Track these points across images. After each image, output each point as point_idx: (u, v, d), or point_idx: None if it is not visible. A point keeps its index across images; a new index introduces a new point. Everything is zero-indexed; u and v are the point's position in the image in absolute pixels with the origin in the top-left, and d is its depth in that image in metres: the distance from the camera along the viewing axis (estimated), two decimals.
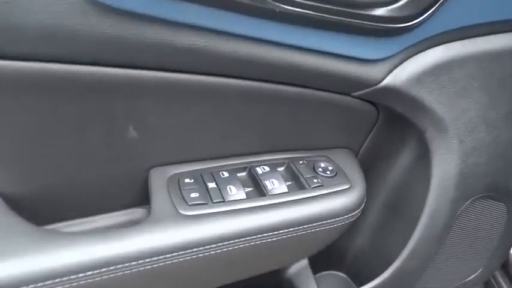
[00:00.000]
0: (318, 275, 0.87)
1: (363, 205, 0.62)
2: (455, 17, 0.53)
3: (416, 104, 0.58)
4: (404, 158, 0.69)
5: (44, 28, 0.37)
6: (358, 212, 0.61)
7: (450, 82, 0.58)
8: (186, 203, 0.52)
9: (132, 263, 0.46)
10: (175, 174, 0.56)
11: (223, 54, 0.45)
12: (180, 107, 0.50)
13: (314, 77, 0.52)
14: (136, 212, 0.60)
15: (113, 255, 0.45)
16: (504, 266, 1.03)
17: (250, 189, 0.58)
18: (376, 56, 0.53)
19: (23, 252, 0.42)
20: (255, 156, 0.62)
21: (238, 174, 0.59)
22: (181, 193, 0.53)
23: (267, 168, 0.59)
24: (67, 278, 0.43)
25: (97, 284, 0.45)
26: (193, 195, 0.53)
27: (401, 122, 0.63)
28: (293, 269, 0.78)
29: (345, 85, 0.55)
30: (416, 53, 0.55)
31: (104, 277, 0.45)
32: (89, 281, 0.44)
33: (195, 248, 0.49)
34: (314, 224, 0.56)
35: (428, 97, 0.57)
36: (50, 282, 0.42)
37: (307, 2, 0.44)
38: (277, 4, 0.43)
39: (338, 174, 0.62)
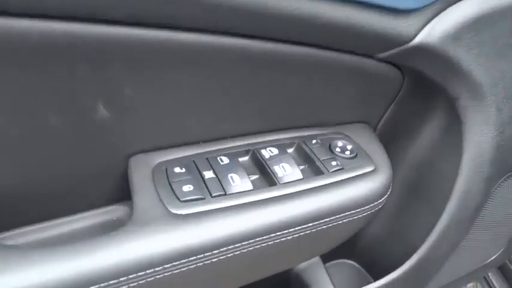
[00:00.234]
0: (328, 264, 0.78)
1: (390, 190, 0.52)
2: None
3: (451, 66, 0.48)
4: (431, 132, 0.59)
5: None
6: (386, 198, 0.51)
7: (491, 39, 0.48)
8: (178, 198, 0.41)
9: (111, 283, 0.35)
10: (161, 162, 0.44)
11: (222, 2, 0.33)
12: (165, 76, 0.39)
13: (335, 32, 0.41)
14: (116, 211, 0.48)
15: (80, 276, 0.34)
16: None
17: (256, 176, 0.47)
18: (412, 4, 0.42)
19: None
20: (258, 136, 0.51)
21: (240, 159, 0.48)
22: (171, 186, 0.42)
23: (274, 151, 0.48)
24: None
25: None
26: (186, 188, 0.41)
27: (430, 89, 0.53)
28: None
29: (371, 43, 0.44)
30: (455, 2, 0.45)
31: None
32: None
33: (192, 256, 0.38)
34: (336, 217, 0.46)
35: (466, 57, 0.48)
36: None
37: None
38: None
39: (359, 154, 0.52)
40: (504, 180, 0.62)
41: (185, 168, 0.44)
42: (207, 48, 0.38)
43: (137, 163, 0.44)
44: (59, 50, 0.33)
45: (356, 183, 0.48)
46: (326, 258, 0.75)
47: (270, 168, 0.46)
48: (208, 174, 0.44)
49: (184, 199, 0.41)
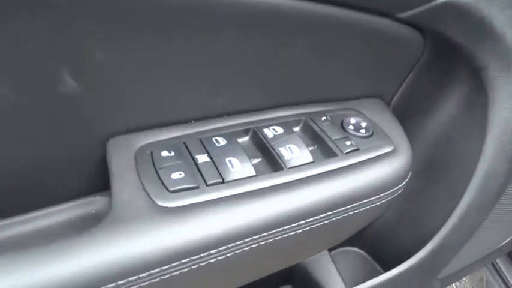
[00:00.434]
0: (334, 251, 0.72)
1: (411, 172, 0.46)
2: None
3: (483, 28, 0.41)
4: (451, 107, 0.53)
5: None
6: (406, 182, 0.45)
7: None
8: (166, 188, 0.34)
9: None
10: (146, 145, 0.37)
11: None
12: (146, 36, 0.31)
13: None
14: (96, 202, 0.41)
15: (48, 286, 0.27)
16: None
17: (258, 160, 0.40)
18: None
19: None
20: (259, 113, 0.44)
21: (240, 140, 0.41)
22: (158, 174, 0.35)
23: (279, 129, 0.41)
24: None
25: None
26: (176, 175, 0.34)
27: (453, 57, 0.47)
28: None
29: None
30: None
31: None
32: None
33: (186, 258, 0.32)
34: (352, 206, 0.40)
35: (500, 18, 0.41)
36: None
37: None
38: None
39: (375, 132, 0.45)
40: None
41: (174, 152, 0.37)
42: (198, 2, 0.30)
43: (116, 146, 0.37)
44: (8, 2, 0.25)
45: (373, 166, 0.41)
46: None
47: (274, 150, 0.39)
48: (202, 158, 0.36)
49: (174, 189, 0.34)
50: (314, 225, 0.38)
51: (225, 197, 0.34)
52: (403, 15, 0.40)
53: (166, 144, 0.37)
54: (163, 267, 0.31)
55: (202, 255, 0.32)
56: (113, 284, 0.29)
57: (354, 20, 0.39)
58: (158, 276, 0.31)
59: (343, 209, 0.39)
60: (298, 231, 0.37)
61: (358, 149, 0.42)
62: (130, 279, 0.30)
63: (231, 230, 0.33)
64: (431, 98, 0.54)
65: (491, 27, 0.41)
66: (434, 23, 0.42)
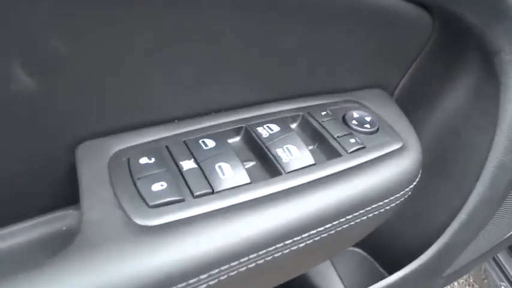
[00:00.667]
0: None
1: (421, 171, 0.41)
2: None
3: (499, 6, 0.36)
4: (459, 97, 0.49)
5: None
6: (417, 181, 0.40)
7: None
8: (146, 202, 0.28)
9: None
10: (121, 151, 0.32)
11: None
12: (112, 17, 0.26)
13: None
14: (66, 217, 0.36)
15: None
16: None
17: (252, 164, 0.35)
18: None
19: None
20: (251, 109, 0.39)
21: (230, 141, 0.36)
22: (136, 185, 0.29)
23: (274, 127, 0.36)
24: None
25: None
26: (157, 187, 0.29)
27: (464, 40, 0.42)
28: None
29: None
30: None
31: None
32: None
33: (170, 287, 0.26)
34: (360, 212, 0.35)
35: None
36: None
37: None
38: None
39: (381, 127, 0.40)
40: None
41: (155, 158, 0.31)
42: None
43: (86, 153, 0.31)
44: None
45: (382, 166, 0.37)
46: None
47: (270, 152, 0.34)
48: (188, 164, 0.31)
49: (155, 203, 0.28)
50: (318, 237, 0.33)
51: (215, 210, 0.29)
52: None
53: (145, 149, 0.32)
54: None
55: (190, 282, 0.27)
56: None
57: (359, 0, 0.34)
58: None
59: (350, 217, 0.34)
60: (300, 245, 0.32)
61: (364, 147, 0.37)
62: None
63: (224, 249, 0.28)
64: (437, 87, 0.49)
65: (509, 5, 0.36)
66: (446, 1, 0.37)
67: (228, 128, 0.36)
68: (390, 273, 0.59)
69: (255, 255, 0.29)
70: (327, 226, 0.33)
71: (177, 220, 0.28)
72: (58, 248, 0.31)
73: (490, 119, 0.45)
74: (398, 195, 0.37)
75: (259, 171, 0.34)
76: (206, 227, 0.28)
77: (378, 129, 0.40)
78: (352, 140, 0.37)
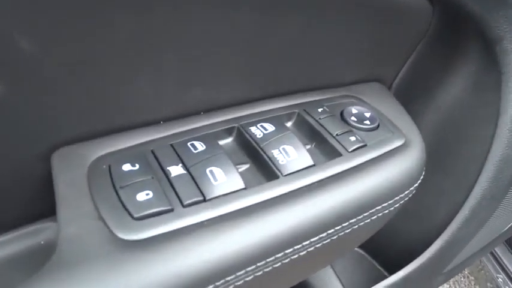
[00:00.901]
0: None
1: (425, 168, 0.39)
2: None
3: None
4: (459, 89, 0.46)
5: None
6: (421, 179, 0.38)
7: None
8: (130, 214, 0.26)
9: None
10: (101, 157, 0.29)
11: None
12: (89, 9, 0.23)
13: None
14: (43, 230, 0.33)
15: None
16: None
17: (246, 166, 0.32)
18: None
19: None
20: (242, 107, 0.36)
21: (221, 143, 0.33)
22: (118, 195, 0.26)
23: (269, 127, 0.34)
24: None
25: None
26: (142, 196, 0.26)
27: (463, 28, 0.40)
28: None
29: None
30: None
31: None
32: None
33: None
34: (364, 215, 0.33)
35: None
36: None
37: None
38: None
39: (381, 123, 0.38)
40: None
41: (139, 164, 0.28)
42: None
43: (63, 160, 0.28)
44: None
45: (385, 165, 0.34)
46: None
47: (265, 154, 0.31)
48: (176, 170, 0.28)
49: (140, 214, 0.25)
50: (320, 244, 0.30)
51: (208, 220, 0.27)
52: None
53: (128, 155, 0.29)
54: None
55: None
56: None
57: None
58: None
59: (353, 220, 0.32)
60: (301, 254, 0.30)
61: (365, 145, 0.35)
62: None
63: (219, 263, 0.25)
64: (436, 79, 0.47)
65: None
66: None
67: (219, 129, 0.33)
68: (390, 272, 0.57)
69: (253, 267, 0.27)
70: (329, 232, 0.30)
71: (166, 233, 0.25)
72: (36, 265, 0.28)
73: (492, 110, 0.43)
74: (402, 195, 0.35)
75: (254, 175, 0.31)
76: (198, 239, 0.25)
77: (378, 125, 0.37)
78: (353, 138, 0.34)
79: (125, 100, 0.29)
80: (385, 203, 0.34)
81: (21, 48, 0.22)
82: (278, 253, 0.28)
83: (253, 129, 0.33)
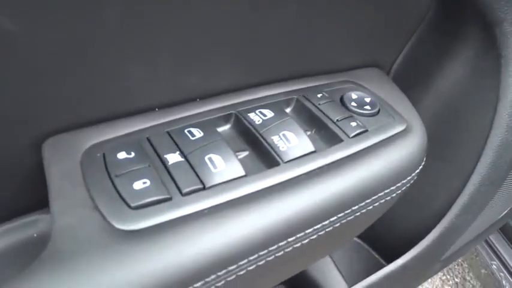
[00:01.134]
0: None
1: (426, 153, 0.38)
2: None
3: None
4: (457, 74, 0.46)
5: None
6: (423, 164, 0.37)
7: None
8: (127, 204, 0.24)
9: None
10: (95, 145, 0.28)
11: None
12: None
13: None
14: (36, 223, 0.32)
15: None
16: None
17: (245, 154, 0.31)
18: None
19: None
20: (240, 93, 0.35)
21: (219, 130, 0.32)
22: (114, 184, 0.25)
23: (268, 113, 0.33)
24: None
25: None
26: (139, 185, 0.25)
27: (463, 10, 0.39)
28: None
29: None
30: None
31: None
32: None
33: None
34: (366, 202, 0.32)
35: None
36: None
37: None
38: None
39: (382, 108, 0.37)
40: None
41: (135, 152, 0.27)
42: None
43: (55, 149, 0.27)
44: None
45: (387, 150, 0.33)
46: None
47: (265, 140, 0.30)
48: (173, 157, 0.27)
49: (138, 203, 0.24)
50: (323, 232, 0.30)
51: (208, 208, 0.26)
52: None
53: (123, 143, 0.28)
54: None
55: None
56: None
57: None
58: None
59: (355, 207, 0.31)
60: (304, 242, 0.29)
61: (366, 130, 0.34)
62: None
63: (220, 253, 0.25)
64: (435, 63, 0.46)
65: None
66: None
67: (216, 116, 0.32)
68: (387, 261, 0.57)
69: (255, 256, 0.26)
70: (331, 219, 0.30)
71: (164, 222, 0.24)
72: (29, 259, 0.27)
73: (491, 95, 0.42)
74: (404, 181, 0.34)
75: (254, 162, 0.30)
76: (198, 228, 0.25)
77: (379, 110, 0.37)
78: (353, 124, 0.34)
79: (118, 86, 0.28)
80: (388, 189, 0.33)
81: (6, 32, 0.21)
82: (281, 241, 0.27)
83: (251, 115, 0.32)
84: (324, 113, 0.34)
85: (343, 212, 0.30)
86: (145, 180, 0.25)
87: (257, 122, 0.32)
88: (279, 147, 0.30)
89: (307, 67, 0.39)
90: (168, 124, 0.30)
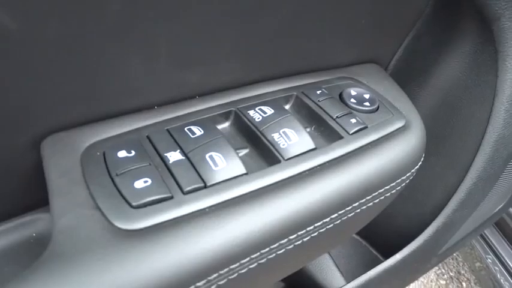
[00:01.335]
0: None
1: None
2: None
3: None
4: (455, 69, 0.46)
5: None
6: (423, 160, 0.38)
7: None
8: (128, 203, 0.24)
9: None
10: (95, 143, 0.28)
11: None
12: None
13: None
14: (35, 222, 0.31)
15: None
16: None
17: (246, 151, 0.31)
18: None
19: None
20: (239, 91, 0.35)
21: (220, 127, 0.32)
22: (114, 183, 0.25)
23: (267, 110, 0.32)
24: None
25: None
26: (140, 183, 0.25)
27: (461, 5, 0.39)
28: None
29: None
30: None
31: None
32: None
33: None
34: (367, 199, 0.32)
35: None
36: None
37: None
38: None
39: (381, 105, 0.37)
40: None
41: (135, 151, 0.27)
42: None
43: (54, 147, 0.27)
44: None
45: (387, 147, 0.34)
46: None
47: (265, 138, 0.30)
48: (174, 156, 0.27)
49: (139, 203, 0.24)
50: (323, 229, 0.30)
51: (209, 207, 0.25)
52: None
53: (123, 141, 0.28)
54: None
55: None
56: None
57: None
58: None
59: (356, 204, 0.31)
60: (305, 239, 0.29)
61: (366, 127, 0.34)
62: None
63: (223, 251, 0.25)
64: (432, 59, 0.46)
65: None
66: None
67: (216, 113, 0.32)
68: (385, 256, 0.57)
69: (257, 254, 0.26)
70: (332, 216, 0.30)
71: (166, 221, 0.24)
72: (28, 259, 0.27)
73: (488, 90, 0.43)
74: (404, 177, 0.35)
75: (255, 160, 0.30)
76: (200, 227, 0.24)
77: (378, 107, 0.37)
78: (353, 120, 0.34)
79: (116, 84, 0.28)
80: (388, 185, 0.33)
81: (4, 29, 0.21)
82: (282, 239, 0.27)
83: (251, 112, 0.32)
84: (323, 110, 0.34)
85: (344, 209, 0.30)
86: (146, 179, 0.25)
87: (257, 120, 0.32)
88: (279, 144, 0.30)
89: (305, 63, 0.38)
90: (168, 122, 0.30)
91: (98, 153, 0.27)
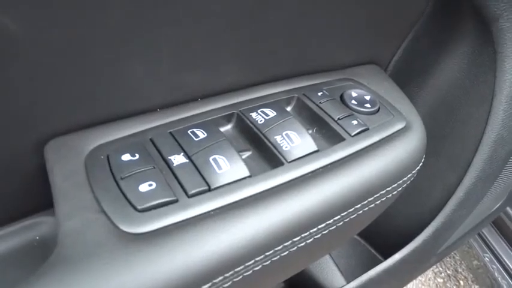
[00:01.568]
0: None
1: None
2: None
3: None
4: (454, 69, 0.46)
5: None
6: (423, 161, 0.38)
7: None
8: (133, 206, 0.24)
9: None
10: (99, 147, 0.28)
11: None
12: None
13: None
14: (39, 225, 0.31)
15: None
16: None
17: (248, 153, 0.31)
18: None
19: None
20: (241, 93, 0.35)
21: (223, 129, 0.32)
22: (119, 186, 0.25)
23: (270, 112, 0.33)
24: None
25: None
26: (144, 187, 0.25)
27: (461, 6, 0.39)
28: None
29: None
30: None
31: None
32: None
33: None
34: (369, 200, 0.32)
35: None
36: None
37: None
38: None
39: (382, 106, 0.37)
40: None
41: (139, 154, 0.27)
42: None
43: (58, 151, 0.27)
44: None
45: (388, 148, 0.34)
46: None
47: (268, 140, 0.30)
48: (178, 159, 0.27)
49: (144, 206, 0.24)
50: (326, 231, 0.30)
51: (214, 210, 0.26)
52: None
53: (127, 144, 0.28)
54: None
55: None
56: None
57: None
58: None
59: (358, 206, 0.31)
60: (308, 241, 0.29)
61: (367, 129, 0.34)
62: None
63: (228, 254, 0.25)
64: (431, 59, 0.47)
65: None
66: None
67: (218, 115, 0.32)
68: (384, 256, 0.58)
69: (261, 256, 0.26)
70: (335, 218, 0.30)
71: (171, 224, 0.24)
72: (31, 262, 0.27)
73: (486, 90, 0.43)
74: (405, 178, 0.35)
75: (257, 162, 0.30)
76: (205, 230, 0.25)
77: (378, 108, 0.37)
78: (355, 122, 0.34)
79: (119, 87, 0.28)
80: (389, 187, 0.33)
81: (8, 32, 0.21)
82: (286, 241, 0.27)
83: (253, 114, 0.32)
84: (325, 112, 0.34)
85: (346, 211, 0.30)
86: (151, 182, 0.25)
87: (259, 122, 0.32)
88: (282, 147, 0.30)
89: (306, 65, 0.39)
90: (171, 125, 0.30)
91: (102, 157, 0.27)
